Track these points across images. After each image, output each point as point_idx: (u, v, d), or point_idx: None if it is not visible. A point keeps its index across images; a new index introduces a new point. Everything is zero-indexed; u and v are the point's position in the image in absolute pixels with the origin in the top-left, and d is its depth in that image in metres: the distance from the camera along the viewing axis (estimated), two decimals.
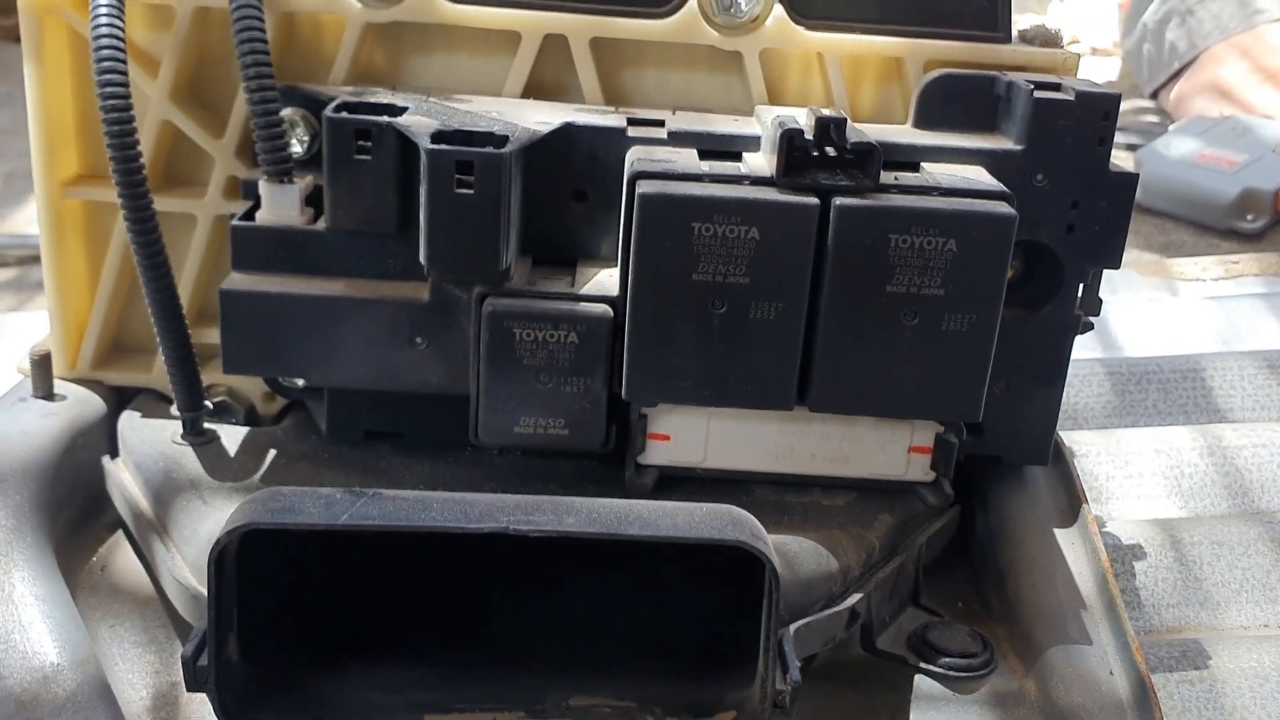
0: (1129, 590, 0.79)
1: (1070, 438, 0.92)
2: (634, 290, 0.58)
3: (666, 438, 0.64)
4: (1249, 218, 1.48)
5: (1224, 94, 1.77)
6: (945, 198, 0.58)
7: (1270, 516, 0.83)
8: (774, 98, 0.68)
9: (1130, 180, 0.63)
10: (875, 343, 0.59)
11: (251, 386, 0.72)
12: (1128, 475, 0.89)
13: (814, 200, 0.57)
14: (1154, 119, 2.00)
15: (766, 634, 0.51)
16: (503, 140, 0.57)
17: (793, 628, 0.55)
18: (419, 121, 0.59)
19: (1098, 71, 2.36)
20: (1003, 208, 0.58)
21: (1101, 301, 0.67)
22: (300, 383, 0.69)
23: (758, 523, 0.51)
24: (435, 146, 0.55)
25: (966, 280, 0.58)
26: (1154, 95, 1.99)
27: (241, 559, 0.50)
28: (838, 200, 0.57)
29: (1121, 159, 1.70)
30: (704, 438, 0.64)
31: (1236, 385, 1.00)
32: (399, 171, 0.59)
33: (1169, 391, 1.00)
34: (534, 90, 0.68)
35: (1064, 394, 0.68)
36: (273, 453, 0.67)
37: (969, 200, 0.58)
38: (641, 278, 0.58)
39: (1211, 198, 1.49)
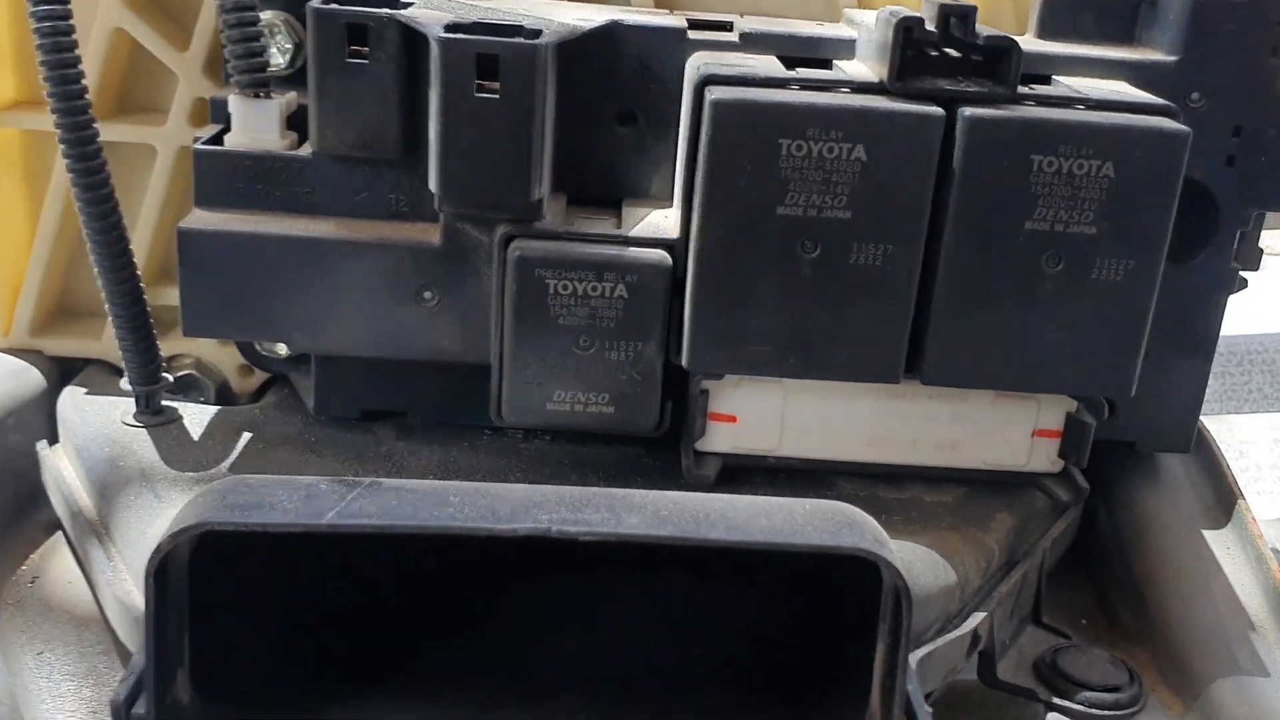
0: None
1: None
2: (701, 228, 0.46)
3: (732, 419, 0.52)
4: None
5: None
6: (1098, 112, 0.46)
7: None
8: (862, 3, 0.56)
9: None
10: (1009, 295, 0.46)
11: (224, 357, 0.59)
12: (1243, 469, 0.77)
13: (937, 110, 0.44)
14: None
15: (890, 669, 0.38)
16: (535, 33, 0.44)
17: (914, 658, 0.42)
18: (429, 14, 0.46)
19: None
20: (1171, 124, 0.45)
21: (1263, 253, 0.54)
22: (282, 350, 0.57)
23: (877, 525, 0.39)
24: (452, 35, 0.43)
25: (1126, 216, 0.45)
26: None
27: (197, 569, 0.38)
28: (967, 110, 0.44)
29: None
30: (779, 419, 0.52)
31: None
32: (403, 79, 0.47)
33: (1276, 374, 0.88)
34: None
35: None
36: (247, 436, 0.54)
37: (1128, 115, 0.46)
38: (712, 211, 0.45)
39: None
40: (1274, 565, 0.52)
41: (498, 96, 0.43)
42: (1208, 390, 0.89)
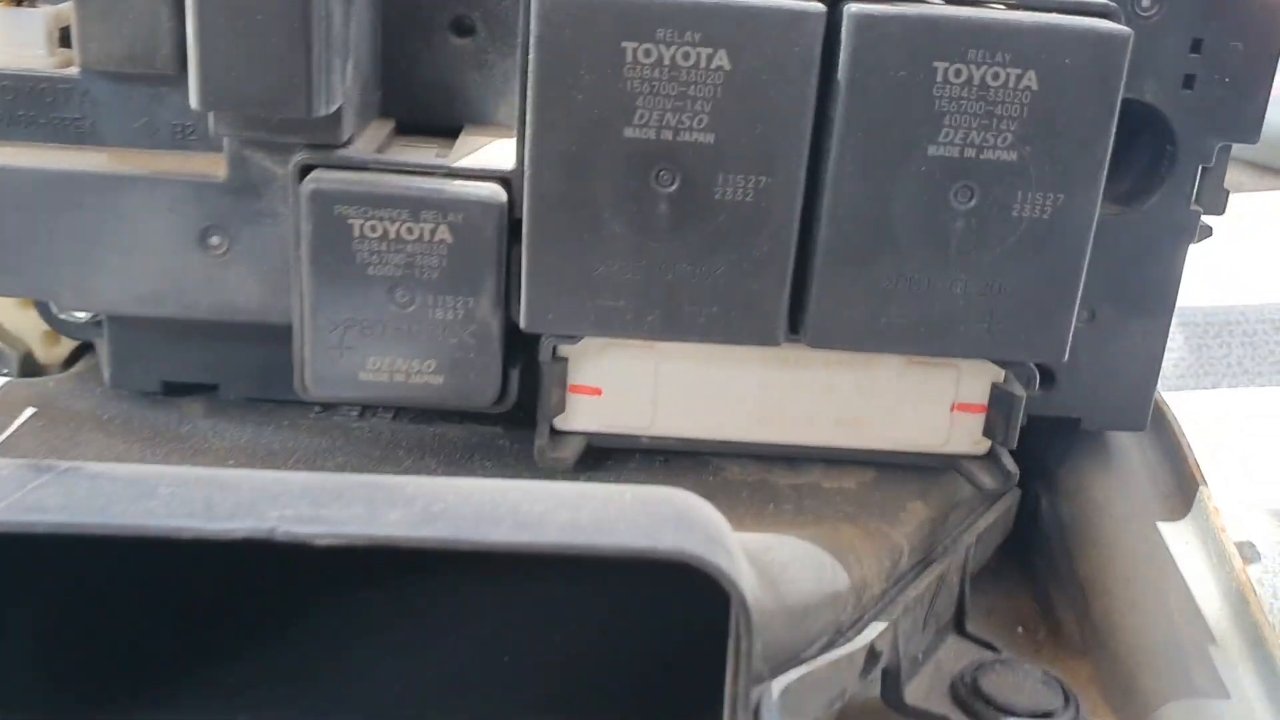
0: None
1: None
2: (534, 156, 0.37)
3: (596, 391, 0.44)
4: None
5: None
6: (1020, 11, 0.37)
7: None
8: None
9: (1277, 10, 0.43)
10: (909, 238, 0.38)
11: (26, 322, 0.51)
12: (1214, 450, 0.69)
13: (817, 5, 0.36)
14: None
15: (733, 701, 0.30)
16: None
17: (778, 685, 0.34)
18: None
19: None
20: (1108, 25, 0.37)
21: (1228, 195, 0.46)
22: (82, 314, 0.48)
23: (718, 518, 0.31)
24: None
25: (1052, 137, 0.37)
26: None
27: None
28: (854, 6, 0.36)
29: None
30: (651, 392, 0.44)
31: None
32: None
33: (1257, 346, 0.80)
34: None
35: None
36: (29, 412, 0.46)
37: (1057, 16, 0.37)
38: (545, 134, 0.37)
39: (1275, 133, 1.28)
40: (1239, 565, 0.44)
41: None
42: (1184, 365, 0.81)
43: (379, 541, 0.28)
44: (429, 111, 0.43)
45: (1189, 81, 0.43)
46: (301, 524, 0.28)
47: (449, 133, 0.43)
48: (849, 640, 0.39)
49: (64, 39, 0.43)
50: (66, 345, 0.52)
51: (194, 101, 0.36)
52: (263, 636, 0.37)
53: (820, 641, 0.38)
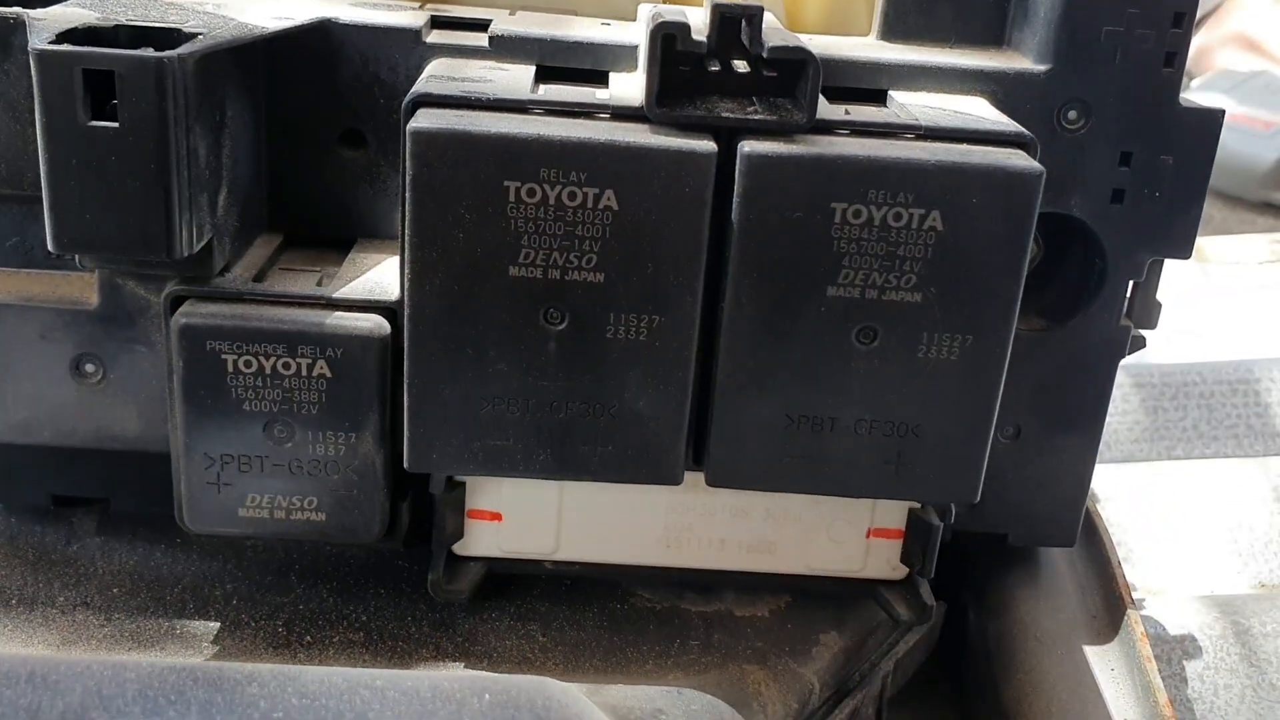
0: (1180, 700, 0.57)
1: None
2: (415, 295, 0.35)
3: (496, 516, 0.42)
4: None
5: (1252, 45, 1.54)
6: (926, 143, 0.35)
7: None
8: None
9: (1211, 122, 0.41)
10: (809, 380, 0.36)
11: None
12: (1168, 529, 0.68)
13: (709, 145, 0.34)
14: None
15: None
16: (181, 39, 0.34)
17: None
18: (67, 14, 0.35)
19: None
20: (1020, 160, 0.35)
21: (1160, 308, 0.44)
22: None
23: (585, 710, 0.29)
24: (51, 47, 0.32)
25: (959, 278, 0.35)
26: None
27: None
28: (747, 145, 0.34)
29: None
30: (555, 515, 0.42)
31: None
32: None
33: (1214, 409, 0.79)
34: None
35: None
36: None
37: (964, 149, 0.35)
38: (425, 274, 0.35)
39: (1245, 164, 1.26)
40: (1164, 699, 0.42)
41: (116, 125, 0.32)
42: (1139, 429, 0.80)
43: None
44: (321, 223, 0.41)
45: (1118, 196, 0.41)
46: None
47: (342, 245, 0.42)
48: None
49: None
50: None
51: (50, 244, 0.34)
52: None
53: None
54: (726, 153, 0.34)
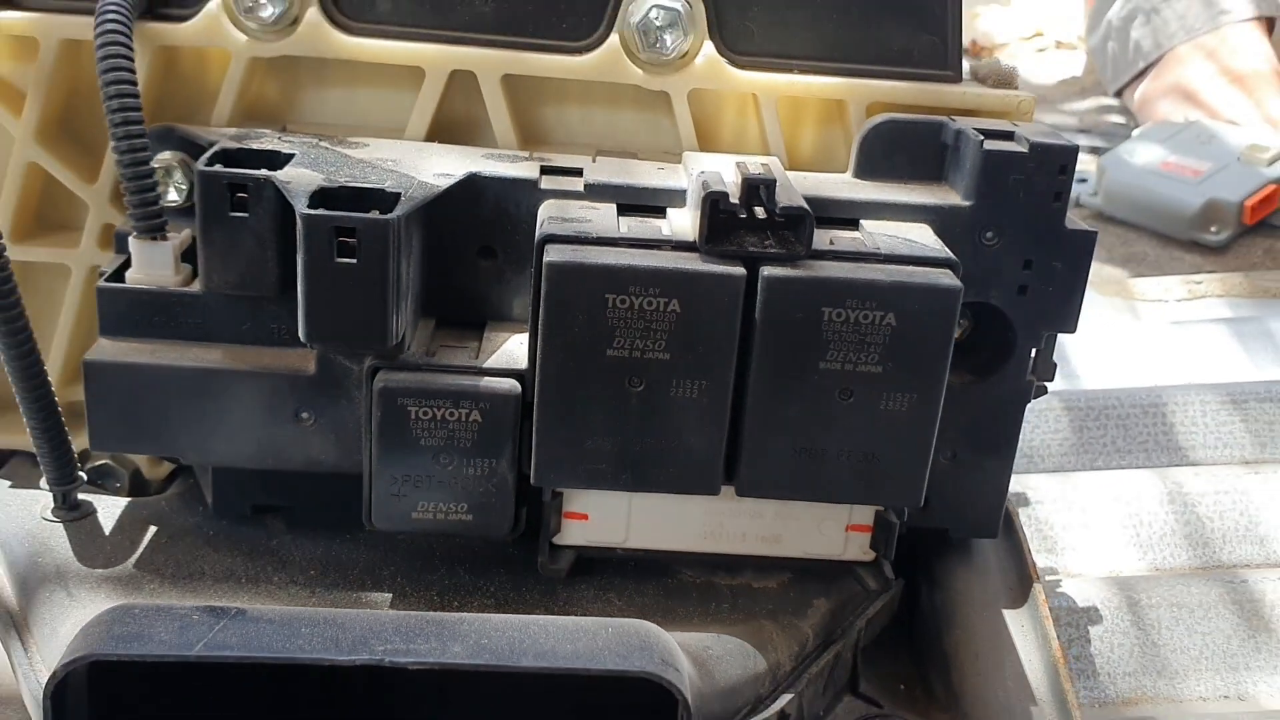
0: (1084, 656, 0.74)
1: (1024, 482, 0.87)
2: (542, 367, 0.52)
3: (584, 516, 0.59)
4: (1213, 229, 1.43)
5: (1189, 96, 1.72)
6: (884, 265, 0.53)
7: (1231, 574, 0.79)
8: (706, 141, 0.63)
9: (1088, 239, 0.58)
10: (807, 423, 0.53)
11: None
12: (1084, 524, 0.85)
13: (740, 270, 0.51)
14: (1119, 119, 1.95)
15: None
16: (393, 200, 0.51)
17: None
18: (300, 176, 0.52)
19: (1062, 67, 2.31)
20: (947, 277, 0.52)
21: (1055, 366, 0.61)
22: None
23: (671, 643, 0.46)
24: (312, 212, 0.49)
25: (906, 356, 0.52)
26: (1119, 94, 1.95)
27: (95, 687, 0.44)
28: (766, 270, 0.51)
29: (1085, 162, 1.66)
30: (625, 516, 0.59)
31: (1199, 421, 0.96)
32: (279, 229, 0.53)
33: (1129, 428, 0.96)
34: (443, 128, 0.62)
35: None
36: (152, 530, 0.61)
37: (910, 270, 0.52)
38: (550, 353, 0.52)
39: (1175, 208, 1.44)
40: (1056, 646, 0.60)
41: (355, 262, 0.49)
42: (1067, 445, 0.97)
43: (449, 667, 0.43)
44: (464, 312, 0.58)
45: (1023, 290, 0.58)
46: (399, 655, 0.43)
47: (477, 325, 0.58)
48: (766, 708, 0.55)
49: (186, 256, 0.57)
50: (167, 466, 0.67)
51: (303, 337, 0.51)
52: None
53: (743, 711, 0.54)
54: (752, 274, 0.51)
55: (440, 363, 0.54)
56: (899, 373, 0.52)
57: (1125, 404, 0.97)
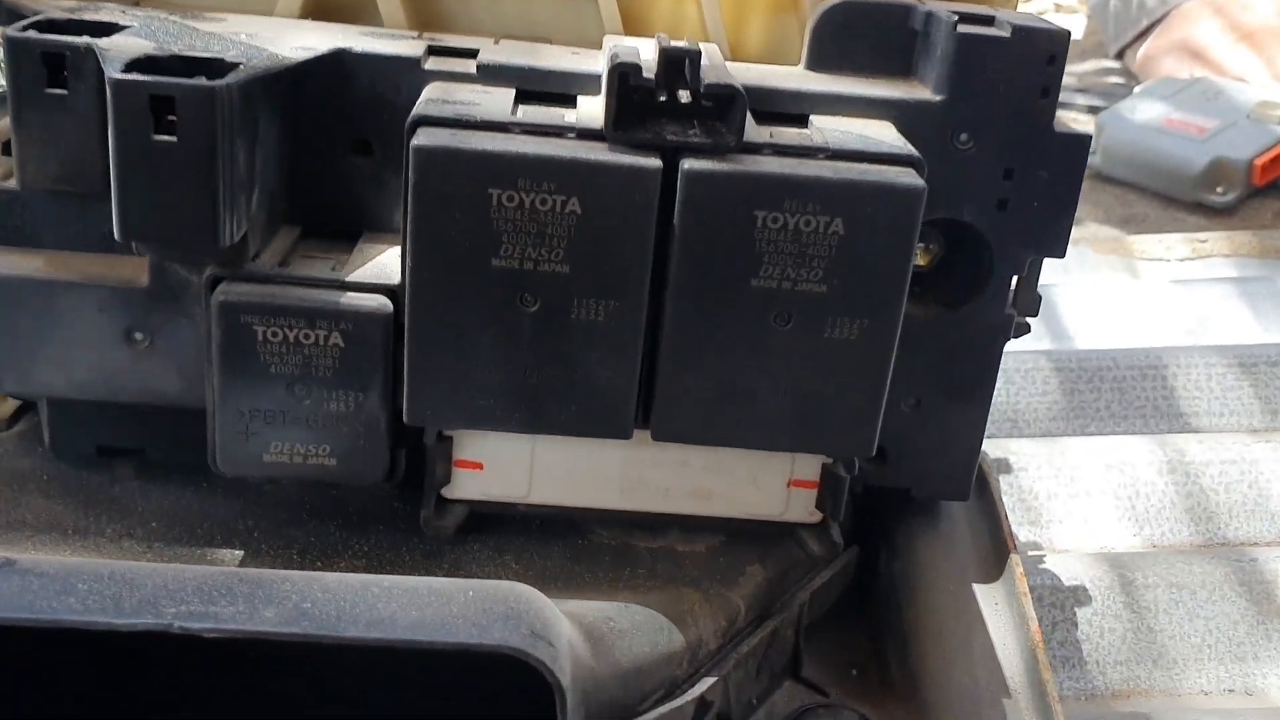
0: (1069, 642, 0.66)
1: (1006, 447, 0.78)
2: (414, 280, 0.43)
3: (478, 465, 0.50)
4: (1219, 190, 1.34)
5: (1195, 54, 1.63)
6: (832, 162, 0.43)
7: (1238, 551, 0.70)
8: (634, 28, 0.53)
9: (1081, 143, 0.49)
10: (736, 354, 0.44)
11: None
12: (1073, 494, 0.76)
13: (655, 162, 0.42)
14: (1119, 80, 1.86)
15: None
16: (225, 68, 0.42)
17: None
18: (128, 45, 0.43)
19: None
20: (908, 176, 0.43)
21: (1040, 299, 0.53)
22: None
23: (548, 611, 0.37)
24: (124, 76, 0.40)
25: (857, 273, 0.43)
26: (1119, 55, 1.85)
27: None
28: (687, 163, 0.42)
29: (1083, 123, 1.57)
30: (527, 465, 0.50)
31: (1203, 386, 0.87)
32: (105, 111, 0.44)
33: (1125, 392, 0.87)
34: (320, 9, 0.52)
35: (999, 395, 0.54)
36: None
37: (863, 167, 0.43)
38: (423, 262, 0.43)
39: (1179, 167, 1.35)
40: (1035, 627, 0.51)
41: (175, 139, 0.40)
42: (1056, 409, 0.88)
43: (255, 635, 0.34)
44: (332, 218, 0.49)
45: (1002, 205, 0.49)
46: (193, 620, 0.34)
47: (350, 236, 0.49)
48: (683, 692, 0.46)
49: (5, 149, 0.48)
50: (12, 401, 0.58)
51: (117, 234, 0.42)
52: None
53: (655, 696, 0.45)
54: (670, 168, 0.42)
55: (294, 274, 0.45)
56: (847, 293, 0.43)
57: (1122, 365, 0.88)
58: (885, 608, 0.56)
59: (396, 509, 0.52)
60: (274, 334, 0.44)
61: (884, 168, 0.44)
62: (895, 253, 0.43)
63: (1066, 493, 0.76)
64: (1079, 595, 0.67)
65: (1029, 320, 0.53)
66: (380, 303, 0.45)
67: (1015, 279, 0.51)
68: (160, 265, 0.46)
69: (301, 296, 0.44)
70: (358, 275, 0.46)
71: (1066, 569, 0.68)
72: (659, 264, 0.43)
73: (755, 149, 0.43)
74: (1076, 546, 0.72)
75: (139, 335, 0.47)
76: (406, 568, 0.48)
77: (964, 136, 0.48)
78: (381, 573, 0.48)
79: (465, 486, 0.50)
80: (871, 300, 0.44)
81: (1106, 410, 0.87)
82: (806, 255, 0.43)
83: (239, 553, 0.48)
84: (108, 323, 0.47)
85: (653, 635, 0.45)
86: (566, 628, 0.37)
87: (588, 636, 0.41)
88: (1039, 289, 0.52)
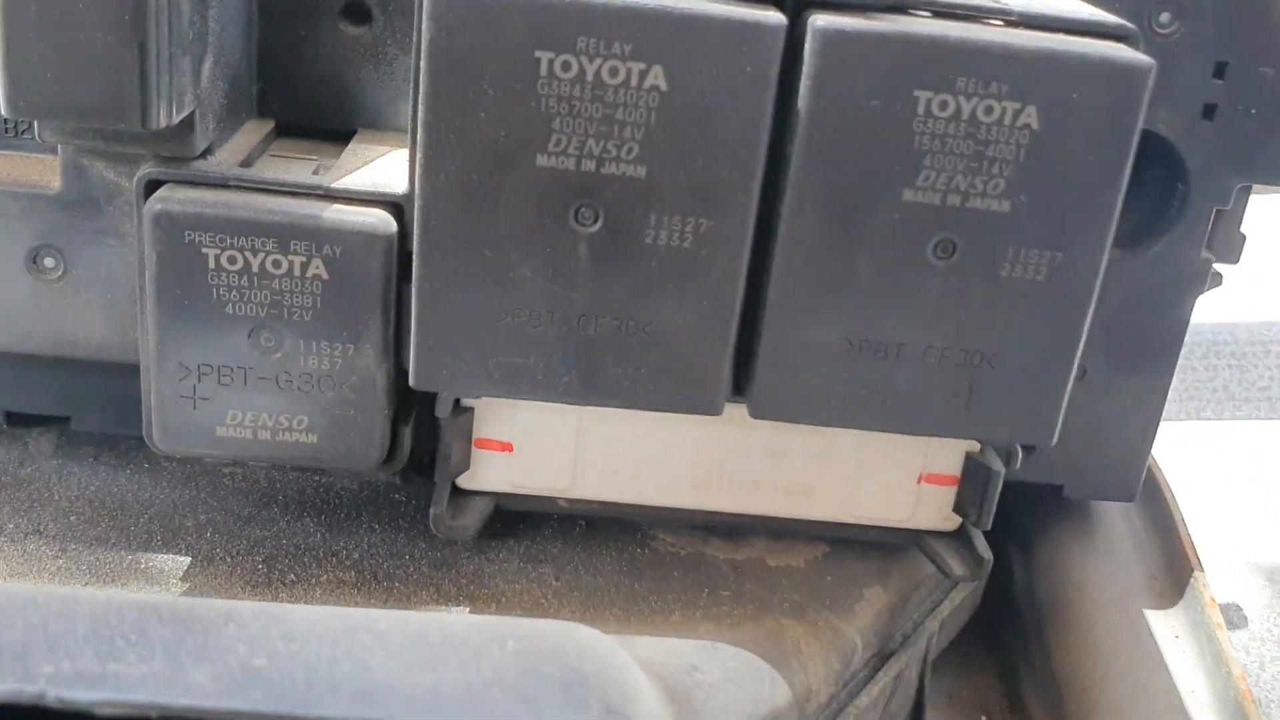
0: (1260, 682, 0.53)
1: None
2: (427, 188, 0.31)
3: (507, 447, 0.37)
4: None
5: None
6: (1022, 31, 0.31)
7: None
8: None
9: None
10: (878, 296, 0.32)
11: None
12: (1196, 492, 0.64)
13: (777, 16, 0.29)
14: None
15: None
16: None
17: None
18: None
19: None
20: (1126, 53, 0.31)
21: (1245, 239, 0.40)
22: None
23: (625, 666, 0.25)
24: None
25: (1055, 187, 0.31)
26: None
27: None
28: (821, 20, 0.29)
29: None
30: (572, 448, 0.38)
31: None
32: None
33: (1245, 370, 0.75)
34: None
35: None
36: None
37: (1063, 38, 0.31)
38: (440, 163, 0.30)
39: None
40: (1238, 669, 0.38)
41: None
42: None
43: (177, 713, 0.22)
44: (317, 111, 0.37)
45: (1209, 111, 0.37)
46: (81, 685, 0.22)
47: (340, 137, 0.37)
48: None
49: None
50: None
51: (4, 108, 0.29)
52: None
53: None
54: (795, 27, 0.30)
55: (260, 177, 0.32)
56: (1038, 214, 0.31)
57: (1240, 340, 0.77)
58: (1024, 638, 0.44)
59: (399, 502, 0.39)
60: (232, 259, 0.32)
61: (1088, 40, 0.31)
62: (1108, 159, 0.31)
63: (1183, 488, 0.63)
64: (1231, 616, 0.54)
65: (1221, 270, 0.41)
66: (380, 219, 0.32)
67: (1214, 212, 0.39)
68: (77, 163, 0.33)
69: (271, 208, 0.32)
70: (348, 182, 0.33)
71: (1215, 585, 0.56)
72: (772, 167, 0.31)
73: (913, 6, 0.31)
74: (1212, 554, 0.59)
75: (49, 260, 0.34)
76: (410, 582, 0.36)
77: (1165, 17, 0.37)
78: (376, 588, 0.36)
79: (490, 475, 0.38)
80: (1070, 226, 0.31)
81: (1224, 391, 0.75)
82: (984, 158, 0.30)
83: (184, 559, 0.36)
84: (6, 242, 0.34)
85: (752, 689, 0.33)
86: (651, 700, 0.25)
87: (670, 697, 0.29)
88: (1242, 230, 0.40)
